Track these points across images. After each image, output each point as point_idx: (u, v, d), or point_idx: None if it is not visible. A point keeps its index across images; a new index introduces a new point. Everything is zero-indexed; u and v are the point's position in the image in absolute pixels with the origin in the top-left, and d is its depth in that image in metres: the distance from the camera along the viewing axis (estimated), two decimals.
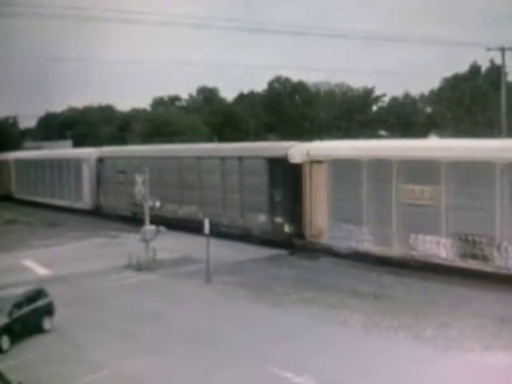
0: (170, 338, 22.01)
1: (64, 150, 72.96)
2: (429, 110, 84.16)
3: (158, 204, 36.96)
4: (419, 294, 26.21)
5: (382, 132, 69.64)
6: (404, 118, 79.72)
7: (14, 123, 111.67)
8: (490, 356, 18.95)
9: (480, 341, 20.08)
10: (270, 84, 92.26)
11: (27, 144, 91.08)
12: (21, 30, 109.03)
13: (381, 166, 30.58)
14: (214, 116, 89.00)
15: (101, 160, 54.56)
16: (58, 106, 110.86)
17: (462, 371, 17.92)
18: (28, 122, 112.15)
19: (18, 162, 73.08)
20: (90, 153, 57.52)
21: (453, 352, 19.44)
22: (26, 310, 22.65)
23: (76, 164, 57.81)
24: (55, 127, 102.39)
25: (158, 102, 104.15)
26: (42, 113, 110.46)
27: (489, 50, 56.97)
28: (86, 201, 55.97)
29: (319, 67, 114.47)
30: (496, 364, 18.35)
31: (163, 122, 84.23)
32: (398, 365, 18.53)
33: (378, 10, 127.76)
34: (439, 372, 17.91)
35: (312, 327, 22.52)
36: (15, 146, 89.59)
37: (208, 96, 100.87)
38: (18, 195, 71.42)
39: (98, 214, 53.97)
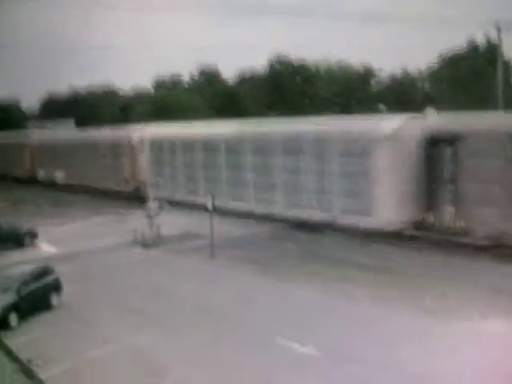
0: (176, 312, 21.76)
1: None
2: (426, 85, 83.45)
3: None
4: (419, 266, 26.08)
5: (381, 106, 68.92)
6: (402, 95, 79.02)
7: (17, 105, 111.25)
8: (486, 324, 18.93)
9: (477, 310, 20.07)
10: (271, 64, 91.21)
11: (31, 123, 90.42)
12: (25, 17, 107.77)
13: None
14: (216, 97, 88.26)
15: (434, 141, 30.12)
16: (61, 88, 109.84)
17: (460, 338, 17.87)
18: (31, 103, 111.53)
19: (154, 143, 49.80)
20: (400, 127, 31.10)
21: (451, 321, 19.35)
22: (33, 287, 22.41)
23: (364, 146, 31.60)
24: (57, 108, 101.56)
25: (160, 84, 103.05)
26: (44, 94, 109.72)
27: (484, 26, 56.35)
28: (384, 214, 30.47)
29: (319, 47, 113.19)
30: (492, 331, 18.30)
31: (165, 102, 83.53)
32: (398, 334, 18.42)
33: None
34: (438, 339, 17.82)
35: (315, 299, 22.32)
36: (18, 125, 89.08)
37: (209, 78, 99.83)
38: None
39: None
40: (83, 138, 60.84)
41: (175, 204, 41.39)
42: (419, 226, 29.87)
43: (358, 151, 31.47)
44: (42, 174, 67.60)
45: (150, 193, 39.13)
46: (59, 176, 63.03)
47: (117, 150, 53.02)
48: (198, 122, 52.11)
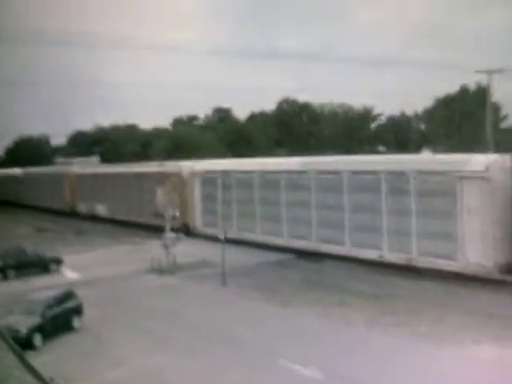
0: (189, 335, 21.83)
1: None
2: (422, 127, 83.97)
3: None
4: (415, 293, 25.98)
5: (381, 147, 69.35)
6: (400, 135, 79.51)
7: (47, 141, 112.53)
8: (478, 349, 18.84)
9: (470, 335, 19.99)
10: (279, 104, 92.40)
11: (59, 160, 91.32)
12: (48, 57, 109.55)
13: None
14: (228, 134, 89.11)
15: None
16: (86, 126, 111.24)
17: (453, 363, 17.74)
18: (60, 140, 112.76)
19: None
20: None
21: (445, 345, 19.26)
22: (56, 310, 22.64)
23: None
24: (84, 144, 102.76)
25: (178, 121, 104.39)
26: (71, 131, 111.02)
27: (477, 72, 57.03)
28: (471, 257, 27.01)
29: (323, 89, 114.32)
30: (484, 356, 18.20)
31: (183, 138, 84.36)
32: (394, 358, 18.34)
33: (374, 37, 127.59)
34: (432, 363, 17.73)
35: (317, 325, 22.28)
36: (48, 161, 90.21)
37: (222, 116, 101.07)
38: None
39: None
40: (126, 172, 56.05)
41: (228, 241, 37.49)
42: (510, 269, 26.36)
43: (442, 189, 27.75)
44: (82, 207, 64.24)
45: (200, 229, 38.21)
46: (101, 210, 59.45)
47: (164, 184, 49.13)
48: (254, 159, 48.77)
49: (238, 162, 46.32)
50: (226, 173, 42.35)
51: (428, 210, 28.35)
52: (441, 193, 27.71)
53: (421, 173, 28.89)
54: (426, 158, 32.66)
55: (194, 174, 45.63)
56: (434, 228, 28.02)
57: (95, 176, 62.06)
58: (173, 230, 34.35)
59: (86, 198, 62.72)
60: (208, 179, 44.13)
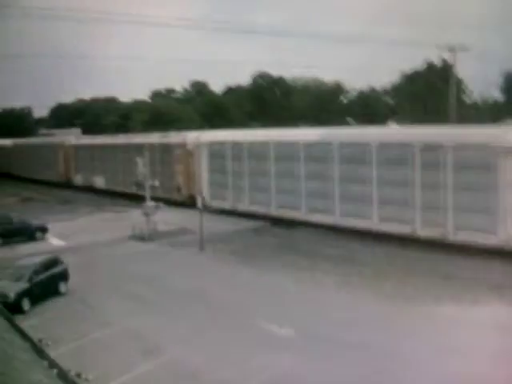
0: (169, 298, 22.01)
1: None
2: (390, 101, 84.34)
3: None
4: (380, 257, 26.42)
5: (349, 119, 69.40)
6: (368, 109, 79.73)
7: (29, 113, 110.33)
8: (438, 306, 19.39)
9: (430, 294, 20.62)
10: (254, 78, 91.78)
11: (41, 131, 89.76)
12: (32, 30, 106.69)
13: None
14: (205, 106, 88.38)
15: None
16: (68, 98, 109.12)
17: (416, 320, 18.33)
18: (41, 112, 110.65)
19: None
20: None
21: (407, 304, 19.78)
22: (43, 276, 22.62)
23: None
24: (65, 116, 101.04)
25: (157, 94, 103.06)
26: (53, 104, 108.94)
27: (440, 48, 57.33)
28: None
29: (296, 64, 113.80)
30: (444, 313, 18.76)
31: (162, 111, 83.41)
32: (361, 316, 18.84)
33: (344, 14, 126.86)
34: (396, 319, 18.32)
35: (289, 286, 22.65)
36: (30, 133, 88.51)
37: (199, 89, 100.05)
38: None
39: None
40: (126, 143, 51.36)
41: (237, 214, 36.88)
42: None
43: (480, 163, 25.35)
44: (78, 179, 59.70)
45: (207, 203, 34.68)
46: (99, 182, 55.08)
47: (168, 156, 44.79)
48: (267, 130, 43.26)
49: (250, 133, 41.98)
50: (237, 144, 38.44)
51: (467, 184, 25.87)
52: (481, 166, 25.33)
53: (460, 146, 26.31)
54: (464, 131, 29.33)
55: (200, 145, 41.79)
56: (472, 202, 25.60)
57: (92, 147, 57.61)
58: (179, 202, 32.26)
59: (83, 170, 58.81)
60: (216, 150, 40.30)
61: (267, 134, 38.46)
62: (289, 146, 34.74)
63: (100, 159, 55.80)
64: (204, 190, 38.90)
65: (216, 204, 39.20)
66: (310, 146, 33.35)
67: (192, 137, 43.53)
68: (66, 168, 62.39)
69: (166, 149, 44.94)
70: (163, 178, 40.95)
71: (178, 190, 36.17)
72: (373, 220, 29.76)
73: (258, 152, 36.81)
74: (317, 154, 32.72)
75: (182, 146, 43.45)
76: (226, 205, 38.54)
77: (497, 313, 18.60)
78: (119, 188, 50.63)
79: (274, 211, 35.43)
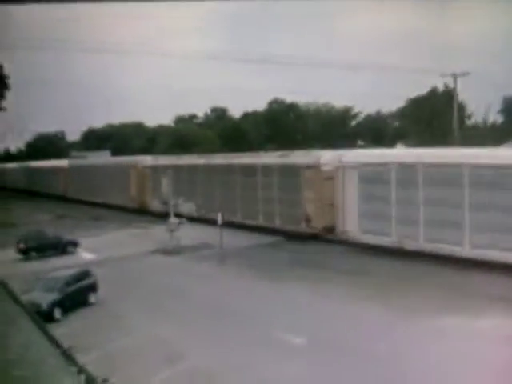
0: (192, 308, 21.85)
1: None
2: (397, 124, 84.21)
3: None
4: (389, 270, 26.08)
5: (360, 142, 69.28)
6: (376, 132, 79.59)
7: (63, 137, 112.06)
8: (439, 318, 18.93)
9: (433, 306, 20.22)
10: (269, 104, 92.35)
11: (72, 154, 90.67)
12: (66, 62, 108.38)
13: None
14: (224, 130, 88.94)
15: None
16: (98, 124, 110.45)
17: (417, 331, 17.93)
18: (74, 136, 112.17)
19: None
20: None
21: (410, 315, 19.40)
22: (74, 287, 22.68)
23: None
24: (95, 140, 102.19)
25: (180, 119, 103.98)
26: (84, 129, 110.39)
27: (443, 75, 57.12)
28: None
29: (308, 91, 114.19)
30: (444, 325, 18.27)
31: (185, 134, 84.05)
32: (367, 327, 18.58)
33: (352, 42, 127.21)
34: (398, 330, 18.03)
35: (303, 298, 22.35)
36: (63, 155, 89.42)
37: (219, 114, 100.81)
38: None
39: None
40: (225, 164, 42.16)
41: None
42: None
43: None
44: (156, 204, 45.90)
45: (355, 237, 29.64)
46: (188, 208, 40.04)
47: (290, 180, 35.69)
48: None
49: (421, 153, 31.14)
50: (406, 166, 29.08)
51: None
52: None
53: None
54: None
55: (345, 167, 32.22)
56: None
57: (177, 168, 43.97)
58: (310, 236, 29.45)
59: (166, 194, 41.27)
60: (371, 173, 30.85)
61: (455, 155, 28.91)
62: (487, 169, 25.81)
63: (187, 182, 44.27)
64: (349, 222, 31.45)
65: (369, 239, 30.28)
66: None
67: (329, 156, 34.43)
68: (140, 191, 52.17)
69: (289, 171, 35.91)
70: (282, 207, 35.58)
71: (308, 220, 31.38)
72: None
73: (439, 177, 27.58)
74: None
75: (314, 167, 34.37)
76: (387, 241, 29.39)
77: None
78: (214, 215, 34.80)
79: (469, 251, 25.79)
